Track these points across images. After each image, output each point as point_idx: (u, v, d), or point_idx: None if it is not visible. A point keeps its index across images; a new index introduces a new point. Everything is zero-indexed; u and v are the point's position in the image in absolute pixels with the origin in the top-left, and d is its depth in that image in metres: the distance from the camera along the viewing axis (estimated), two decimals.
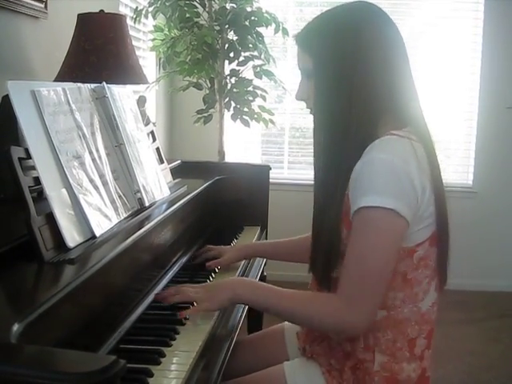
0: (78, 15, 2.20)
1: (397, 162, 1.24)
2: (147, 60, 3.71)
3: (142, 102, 1.96)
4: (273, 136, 4.53)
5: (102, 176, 1.44)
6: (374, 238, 1.25)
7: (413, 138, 1.31)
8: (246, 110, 3.50)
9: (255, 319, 2.44)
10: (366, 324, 1.29)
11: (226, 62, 3.50)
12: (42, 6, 2.27)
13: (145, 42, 3.68)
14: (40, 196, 1.29)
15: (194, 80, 3.52)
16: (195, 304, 1.45)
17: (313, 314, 1.34)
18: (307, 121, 4.41)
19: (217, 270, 1.83)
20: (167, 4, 3.28)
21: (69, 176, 1.29)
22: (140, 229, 1.47)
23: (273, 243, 1.92)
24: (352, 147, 1.31)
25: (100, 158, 1.46)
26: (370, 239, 1.25)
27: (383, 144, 1.28)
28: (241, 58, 3.47)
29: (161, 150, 2.02)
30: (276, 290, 1.39)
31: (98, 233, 1.31)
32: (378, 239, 1.25)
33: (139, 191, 1.61)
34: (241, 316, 1.65)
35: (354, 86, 1.31)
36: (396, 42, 1.36)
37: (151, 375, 1.15)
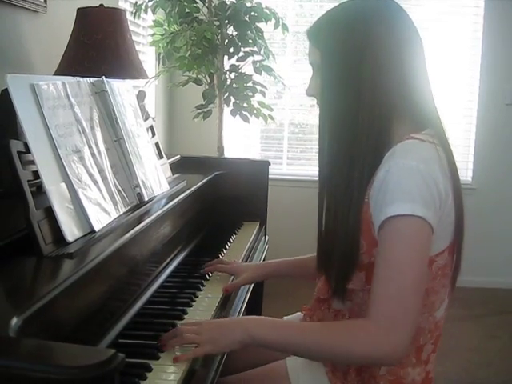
0: (78, 9, 2.19)
1: (422, 167, 1.18)
2: (147, 55, 3.70)
3: (141, 96, 1.95)
4: (272, 132, 4.52)
5: (101, 170, 1.43)
6: (405, 250, 1.17)
7: (434, 141, 1.26)
8: (245, 105, 3.49)
9: (255, 315, 2.44)
10: (408, 347, 1.18)
11: (226, 57, 3.50)
12: (42, 0, 2.27)
13: (144, 36, 3.67)
14: (39, 190, 1.29)
15: (194, 75, 3.51)
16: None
17: (343, 343, 1.19)
18: (306, 117, 4.41)
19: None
20: None
21: (68, 170, 1.28)
22: (139, 223, 1.46)
23: (288, 262, 1.75)
24: (364, 149, 1.25)
25: (99, 152, 1.46)
26: (401, 252, 1.16)
27: (405, 149, 1.22)
28: (240, 54, 3.46)
29: (160, 145, 2.01)
30: (295, 324, 1.28)
31: (96, 227, 1.31)
32: (409, 250, 1.17)
33: (138, 186, 1.60)
34: (240, 310, 1.65)
35: (363, 81, 1.26)
36: (409, 37, 1.30)
37: (150, 370, 1.15)
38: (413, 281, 1.16)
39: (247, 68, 3.53)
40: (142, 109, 1.88)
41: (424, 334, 1.32)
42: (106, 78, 1.62)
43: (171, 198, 1.79)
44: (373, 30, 1.27)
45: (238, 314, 1.64)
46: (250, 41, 3.38)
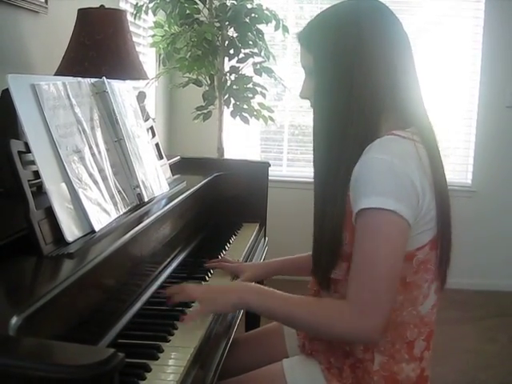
0: (79, 10, 2.19)
1: (396, 162, 1.21)
2: (147, 56, 3.70)
3: (141, 97, 1.96)
4: (272, 133, 4.52)
5: (101, 171, 1.43)
6: (378, 241, 1.21)
7: (415, 138, 1.28)
8: (245, 107, 3.49)
9: (253, 317, 2.44)
10: (381, 331, 1.24)
11: (226, 58, 3.49)
12: (43, 0, 2.27)
13: (145, 38, 3.67)
14: (39, 190, 1.29)
15: (194, 76, 3.51)
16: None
17: (323, 321, 1.29)
18: (306, 118, 4.41)
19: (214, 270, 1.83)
20: (167, 0, 3.28)
21: (68, 170, 1.28)
22: (139, 224, 1.47)
23: (290, 261, 1.79)
24: (351, 147, 1.28)
25: (100, 152, 1.46)
26: (374, 243, 1.22)
27: (382, 144, 1.26)
28: (241, 55, 3.46)
29: (160, 146, 2.01)
30: (283, 295, 1.34)
31: (97, 227, 1.31)
32: (381, 242, 1.21)
33: (138, 186, 1.61)
34: (238, 312, 1.65)
35: (354, 84, 1.28)
36: (399, 39, 1.33)
37: (149, 370, 1.15)
38: (384, 270, 1.22)
39: (247, 69, 3.53)
40: (143, 109, 1.88)
41: (410, 329, 1.34)
42: (107, 78, 1.62)
43: (171, 198, 1.79)
44: (364, 32, 1.30)
45: (238, 316, 1.64)
46: (251, 42, 3.38)
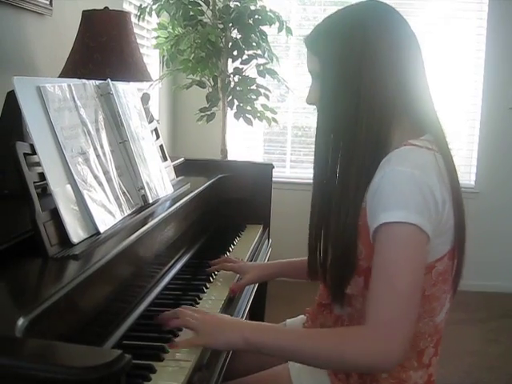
0: (83, 12, 2.20)
1: (417, 174, 1.17)
2: (151, 58, 3.71)
3: (145, 99, 1.96)
4: (275, 135, 4.53)
5: (106, 172, 1.44)
6: (400, 255, 1.16)
7: (432, 147, 1.25)
8: (248, 108, 3.50)
9: (257, 319, 2.44)
10: (403, 352, 1.15)
11: (230, 60, 3.51)
12: (47, 2, 2.28)
13: (148, 39, 3.68)
14: (44, 192, 1.29)
15: (198, 78, 3.52)
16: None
17: (343, 351, 1.16)
18: (310, 120, 4.42)
19: (218, 272, 1.83)
20: (171, 2, 3.29)
21: (73, 172, 1.29)
22: (144, 225, 1.47)
23: (293, 263, 1.73)
24: (363, 155, 1.24)
25: (104, 154, 1.46)
26: (396, 258, 1.16)
27: (401, 155, 1.22)
28: (244, 57, 3.48)
29: (164, 148, 2.02)
30: (293, 330, 1.27)
31: (101, 229, 1.31)
32: (403, 257, 1.16)
33: (143, 188, 1.61)
34: (243, 313, 1.65)
35: (362, 87, 1.25)
36: (407, 42, 1.30)
37: (154, 371, 1.16)
38: (409, 286, 1.15)
39: (251, 71, 3.54)
40: (147, 111, 1.88)
41: (424, 339, 1.32)
42: (111, 80, 1.62)
43: (175, 200, 1.80)
44: (371, 36, 1.27)
45: (242, 317, 1.64)
46: (254, 44, 3.40)
